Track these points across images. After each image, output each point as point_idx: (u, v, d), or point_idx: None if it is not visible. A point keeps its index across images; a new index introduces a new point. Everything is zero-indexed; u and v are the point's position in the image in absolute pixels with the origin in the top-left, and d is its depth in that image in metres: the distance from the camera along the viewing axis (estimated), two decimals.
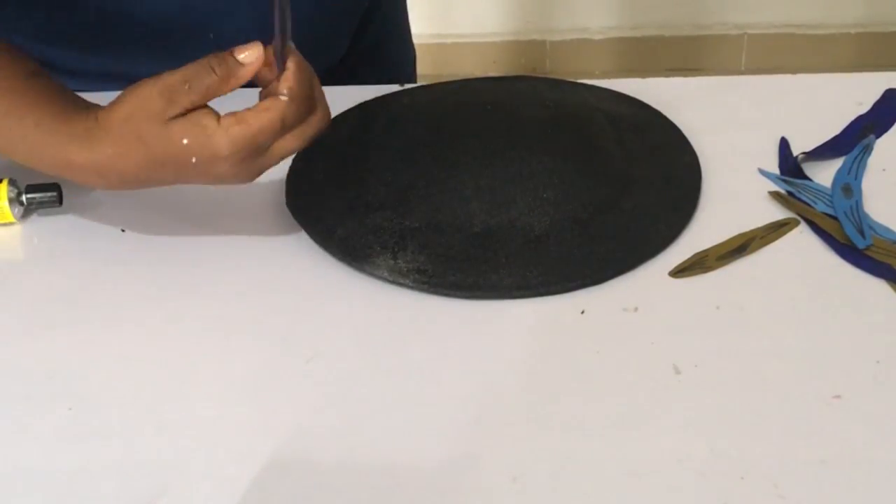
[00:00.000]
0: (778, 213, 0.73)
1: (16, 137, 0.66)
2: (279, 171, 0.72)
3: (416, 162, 0.76)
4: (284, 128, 0.64)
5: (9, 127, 0.66)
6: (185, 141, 0.62)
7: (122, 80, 0.81)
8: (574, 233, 0.71)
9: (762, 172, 0.77)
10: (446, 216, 0.72)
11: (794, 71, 0.89)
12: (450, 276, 0.68)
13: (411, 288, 0.68)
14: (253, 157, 0.64)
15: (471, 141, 0.77)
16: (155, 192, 0.70)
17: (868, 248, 0.69)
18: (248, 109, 0.63)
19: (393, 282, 0.68)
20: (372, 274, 0.69)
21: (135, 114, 0.63)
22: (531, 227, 0.71)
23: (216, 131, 0.62)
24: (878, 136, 0.80)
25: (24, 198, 0.75)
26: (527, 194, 0.73)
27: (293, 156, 0.79)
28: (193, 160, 0.63)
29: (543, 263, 0.69)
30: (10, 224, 0.76)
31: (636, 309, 0.66)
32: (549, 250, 0.70)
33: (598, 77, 0.87)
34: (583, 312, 0.66)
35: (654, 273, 0.69)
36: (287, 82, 0.64)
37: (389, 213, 0.73)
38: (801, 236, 0.72)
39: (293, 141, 0.65)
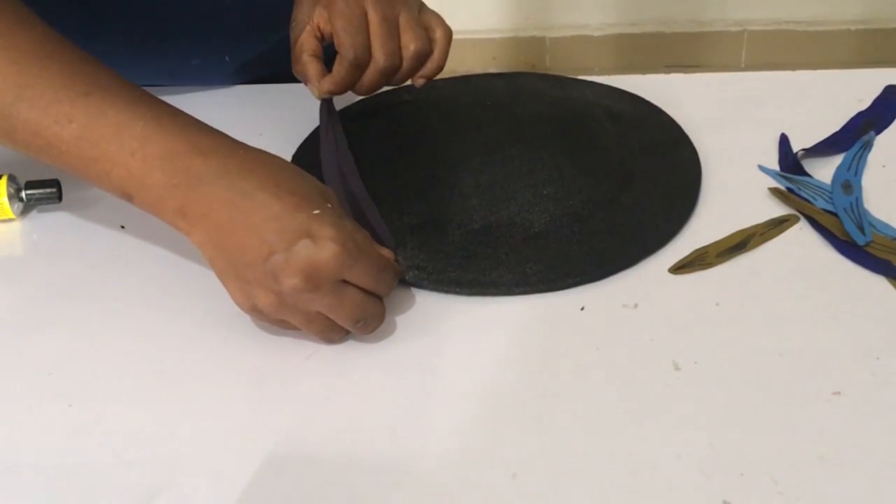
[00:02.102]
0: (778, 209, 0.73)
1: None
2: None
3: (415, 158, 0.76)
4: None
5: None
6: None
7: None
8: (574, 229, 0.71)
9: (762, 169, 0.77)
10: (446, 212, 0.72)
11: (794, 67, 0.89)
12: (449, 273, 0.68)
13: (411, 284, 0.68)
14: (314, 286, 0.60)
15: (470, 137, 0.77)
16: None
17: (868, 244, 0.69)
18: None
19: None
20: None
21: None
22: (531, 223, 0.71)
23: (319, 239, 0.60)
24: (878, 132, 0.80)
25: (23, 194, 0.75)
26: (526, 191, 0.73)
27: (293, 154, 0.80)
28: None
29: (543, 260, 0.69)
30: (10, 220, 0.76)
31: (636, 305, 0.66)
32: (549, 247, 0.70)
33: (597, 73, 0.87)
34: (582, 309, 0.66)
35: (653, 269, 0.69)
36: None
37: (389, 210, 0.73)
38: (801, 233, 0.72)
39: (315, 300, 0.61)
